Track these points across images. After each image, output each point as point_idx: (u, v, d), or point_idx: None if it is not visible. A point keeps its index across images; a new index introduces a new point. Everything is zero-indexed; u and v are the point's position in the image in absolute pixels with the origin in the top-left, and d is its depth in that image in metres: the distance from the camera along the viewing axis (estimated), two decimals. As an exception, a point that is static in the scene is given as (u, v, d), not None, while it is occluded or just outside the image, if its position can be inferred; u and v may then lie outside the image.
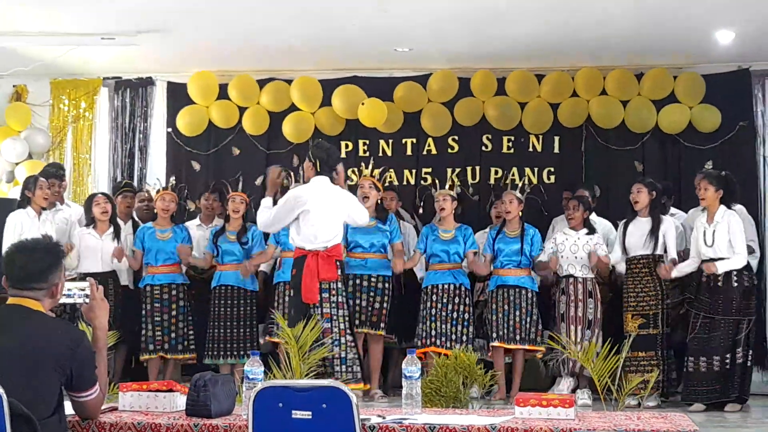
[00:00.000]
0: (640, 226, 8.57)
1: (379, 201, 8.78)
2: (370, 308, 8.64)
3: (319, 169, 7.60)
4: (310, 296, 7.45)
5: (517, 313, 8.63)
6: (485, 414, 4.31)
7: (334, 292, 7.48)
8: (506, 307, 8.65)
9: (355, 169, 10.22)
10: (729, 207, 8.22)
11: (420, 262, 8.97)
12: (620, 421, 4.02)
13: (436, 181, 9.30)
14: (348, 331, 7.54)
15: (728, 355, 8.06)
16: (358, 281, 8.60)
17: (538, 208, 9.94)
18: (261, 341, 8.82)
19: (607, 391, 6.06)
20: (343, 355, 7.47)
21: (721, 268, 8.07)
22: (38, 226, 8.50)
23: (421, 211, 10.13)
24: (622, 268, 8.79)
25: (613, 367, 6.06)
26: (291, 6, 8.29)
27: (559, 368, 8.62)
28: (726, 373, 8.07)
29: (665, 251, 8.59)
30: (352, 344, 7.59)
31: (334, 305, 7.48)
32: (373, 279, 8.69)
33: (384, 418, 3.91)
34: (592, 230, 8.79)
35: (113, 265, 8.94)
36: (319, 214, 7.43)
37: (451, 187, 9.06)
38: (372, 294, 8.67)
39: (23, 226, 8.49)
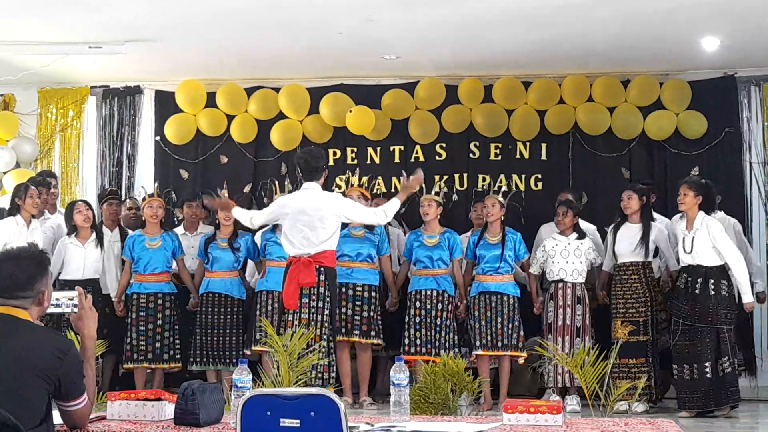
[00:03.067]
0: (630, 232, 8.60)
1: None
2: (357, 317, 8.63)
3: (303, 175, 7.78)
4: (290, 302, 7.52)
5: (499, 319, 8.62)
6: (474, 421, 4.33)
7: (314, 297, 7.54)
8: (488, 313, 8.65)
9: (343, 177, 10.22)
10: (708, 214, 8.27)
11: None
12: (608, 427, 4.03)
13: (423, 188, 9.29)
14: (324, 337, 7.56)
15: (707, 364, 8.05)
16: (343, 290, 8.59)
17: (518, 214, 9.94)
18: (247, 352, 8.76)
19: (595, 397, 6.08)
20: (315, 361, 7.51)
21: (747, 297, 8.13)
22: (26, 234, 8.46)
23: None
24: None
25: (602, 374, 6.08)
26: (278, 14, 8.30)
27: (546, 381, 8.62)
28: (712, 382, 8.07)
29: (654, 257, 8.64)
30: (330, 351, 7.64)
31: (313, 310, 7.54)
32: (358, 288, 8.70)
33: (372, 425, 3.92)
34: (581, 235, 8.81)
35: (96, 274, 8.92)
36: (297, 221, 7.57)
37: (437, 193, 9.06)
38: (358, 303, 8.67)
39: (10, 234, 8.46)
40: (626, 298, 8.54)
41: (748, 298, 8.16)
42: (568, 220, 8.78)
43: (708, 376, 8.06)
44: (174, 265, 9.05)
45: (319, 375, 7.55)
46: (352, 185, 9.04)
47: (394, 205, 7.85)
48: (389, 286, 8.98)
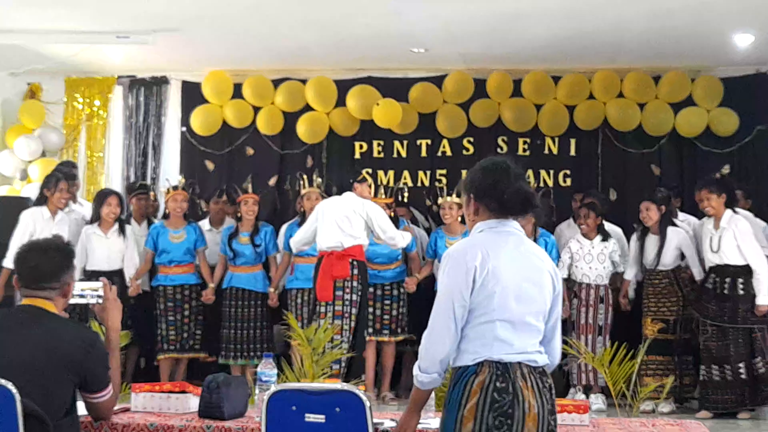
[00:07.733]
0: (654, 243, 8.52)
1: (391, 215, 8.75)
2: (387, 317, 8.63)
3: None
4: (323, 294, 7.67)
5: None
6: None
7: (348, 290, 7.71)
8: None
9: (369, 170, 10.18)
10: (735, 211, 8.15)
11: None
12: (635, 427, 4.00)
13: (445, 188, 9.19)
14: (347, 332, 7.67)
15: (741, 364, 7.96)
16: (371, 290, 8.57)
17: (551, 211, 9.85)
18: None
19: (621, 396, 6.02)
20: (341, 355, 7.56)
21: (763, 299, 7.93)
22: (52, 226, 8.45)
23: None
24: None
25: (628, 373, 6.02)
26: (306, 6, 8.27)
27: (571, 379, 8.55)
28: (743, 383, 7.98)
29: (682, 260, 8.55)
30: (351, 347, 7.72)
31: (347, 303, 7.68)
32: (387, 287, 8.69)
33: (397, 421, 3.87)
34: (606, 236, 8.71)
35: (121, 264, 8.89)
36: (329, 217, 7.86)
37: (459, 194, 8.94)
38: (388, 302, 8.67)
39: (36, 225, 8.46)
40: (658, 297, 8.47)
41: (763, 300, 8.00)
42: (591, 222, 8.69)
43: (743, 377, 7.96)
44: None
45: (344, 370, 7.60)
46: (376, 196, 8.96)
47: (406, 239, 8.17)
48: (413, 273, 8.86)
